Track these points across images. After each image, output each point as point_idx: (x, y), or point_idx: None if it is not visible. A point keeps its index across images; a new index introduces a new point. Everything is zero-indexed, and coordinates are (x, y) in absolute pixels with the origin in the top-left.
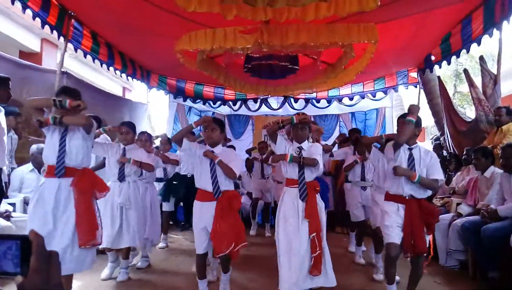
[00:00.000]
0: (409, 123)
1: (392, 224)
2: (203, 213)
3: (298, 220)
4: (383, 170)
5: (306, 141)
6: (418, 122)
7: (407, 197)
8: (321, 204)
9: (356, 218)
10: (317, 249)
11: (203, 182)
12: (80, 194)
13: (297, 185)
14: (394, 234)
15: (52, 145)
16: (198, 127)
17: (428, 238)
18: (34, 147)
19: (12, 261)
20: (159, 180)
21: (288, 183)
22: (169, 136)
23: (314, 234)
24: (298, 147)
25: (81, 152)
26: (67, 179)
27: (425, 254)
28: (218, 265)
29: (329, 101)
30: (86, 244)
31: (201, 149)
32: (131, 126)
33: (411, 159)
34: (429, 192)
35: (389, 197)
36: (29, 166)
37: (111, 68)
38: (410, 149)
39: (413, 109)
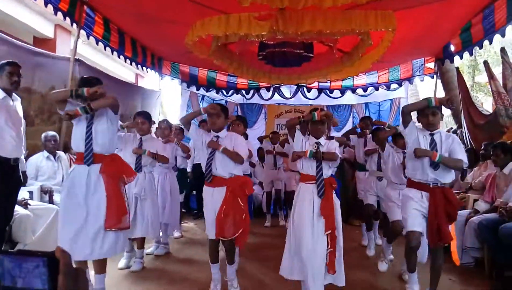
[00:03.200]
0: (426, 100)
1: (415, 212)
2: (214, 198)
3: (313, 217)
4: (393, 164)
5: (323, 137)
6: (440, 110)
7: (431, 185)
8: (336, 201)
9: (366, 201)
10: (329, 247)
11: None
12: (109, 179)
13: (315, 181)
14: (416, 222)
15: (79, 133)
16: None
17: (450, 227)
18: (43, 134)
19: (40, 278)
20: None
21: (304, 179)
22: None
23: (330, 231)
24: (316, 143)
25: (107, 137)
26: (96, 165)
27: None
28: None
29: (343, 92)
30: (112, 227)
31: (207, 136)
32: (147, 116)
33: (433, 144)
34: (453, 176)
35: (412, 184)
36: (44, 153)
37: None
38: (432, 135)
39: (441, 99)
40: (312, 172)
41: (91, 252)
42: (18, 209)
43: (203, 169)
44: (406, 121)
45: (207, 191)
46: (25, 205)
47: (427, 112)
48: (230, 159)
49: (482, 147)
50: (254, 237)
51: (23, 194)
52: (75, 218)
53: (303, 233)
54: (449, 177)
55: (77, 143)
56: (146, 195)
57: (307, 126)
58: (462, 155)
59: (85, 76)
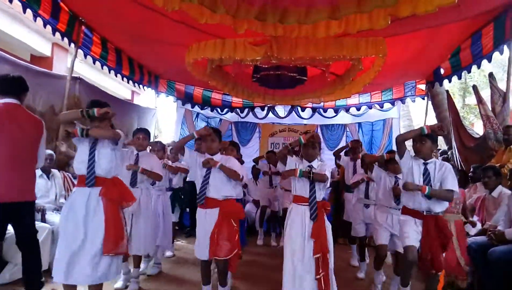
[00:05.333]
0: (419, 129)
1: (413, 231)
2: (207, 219)
3: (304, 239)
4: (385, 187)
5: (316, 160)
6: (434, 139)
7: (424, 213)
8: (328, 224)
9: (356, 233)
10: (320, 271)
11: None
12: (108, 203)
13: (307, 204)
14: (413, 238)
15: (82, 155)
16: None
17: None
18: None
19: None
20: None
21: (297, 200)
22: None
23: (320, 255)
24: (309, 166)
25: (110, 162)
26: (97, 188)
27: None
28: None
29: (336, 111)
30: (110, 252)
31: (201, 158)
32: (148, 133)
33: (426, 173)
34: (446, 205)
35: (406, 211)
36: (38, 171)
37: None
38: (426, 164)
39: (433, 127)
40: (305, 194)
41: (86, 277)
42: (9, 228)
43: (197, 191)
44: (402, 151)
45: (200, 212)
46: None
47: (416, 139)
48: (225, 179)
49: (471, 170)
50: (247, 256)
51: None
52: (73, 240)
53: (294, 256)
54: (441, 206)
55: (80, 165)
56: (141, 212)
57: (300, 150)
58: (453, 185)
59: (95, 99)
